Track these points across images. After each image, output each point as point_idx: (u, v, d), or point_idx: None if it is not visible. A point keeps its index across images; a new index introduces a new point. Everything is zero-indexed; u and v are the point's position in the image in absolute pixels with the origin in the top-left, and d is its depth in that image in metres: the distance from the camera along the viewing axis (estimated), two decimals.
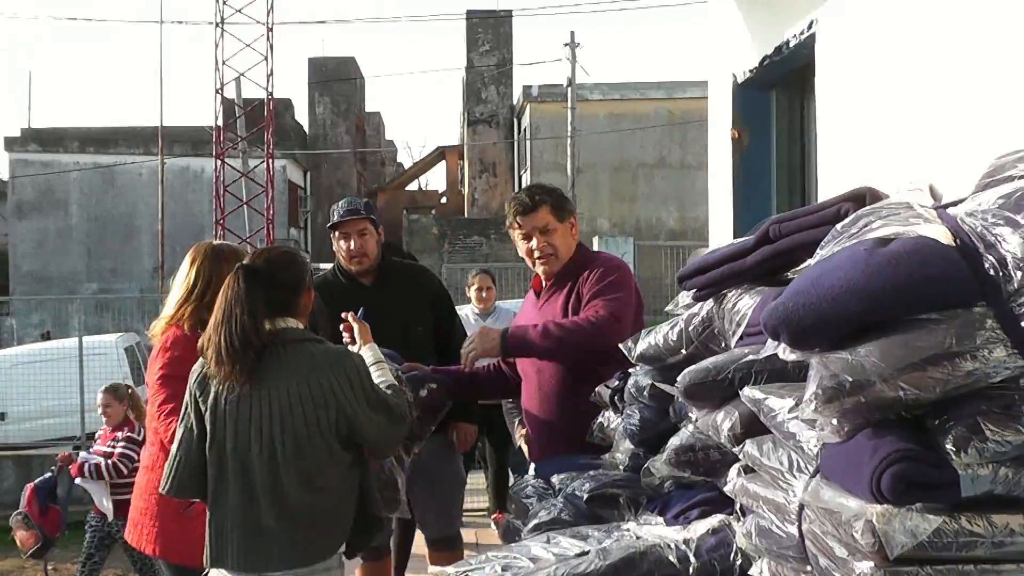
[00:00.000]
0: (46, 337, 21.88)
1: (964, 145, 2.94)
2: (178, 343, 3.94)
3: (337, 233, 5.02)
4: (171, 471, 3.48)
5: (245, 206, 12.52)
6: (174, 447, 3.52)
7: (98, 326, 20.84)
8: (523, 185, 31.41)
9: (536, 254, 4.12)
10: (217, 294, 3.79)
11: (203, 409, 3.44)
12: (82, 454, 8.43)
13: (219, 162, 12.01)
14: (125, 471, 8.25)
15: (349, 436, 3.46)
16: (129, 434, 8.51)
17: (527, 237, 4.13)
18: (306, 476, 3.40)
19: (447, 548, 5.02)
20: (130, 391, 8.70)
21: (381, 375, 3.72)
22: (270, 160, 12.19)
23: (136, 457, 8.44)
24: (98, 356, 15.57)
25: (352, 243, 4.93)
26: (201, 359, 3.50)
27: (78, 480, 8.26)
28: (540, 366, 4.15)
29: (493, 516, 8.07)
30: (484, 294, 8.17)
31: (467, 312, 7.94)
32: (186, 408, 3.51)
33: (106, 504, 8.20)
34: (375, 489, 3.71)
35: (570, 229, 4.19)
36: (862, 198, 2.36)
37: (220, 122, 12.60)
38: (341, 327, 4.04)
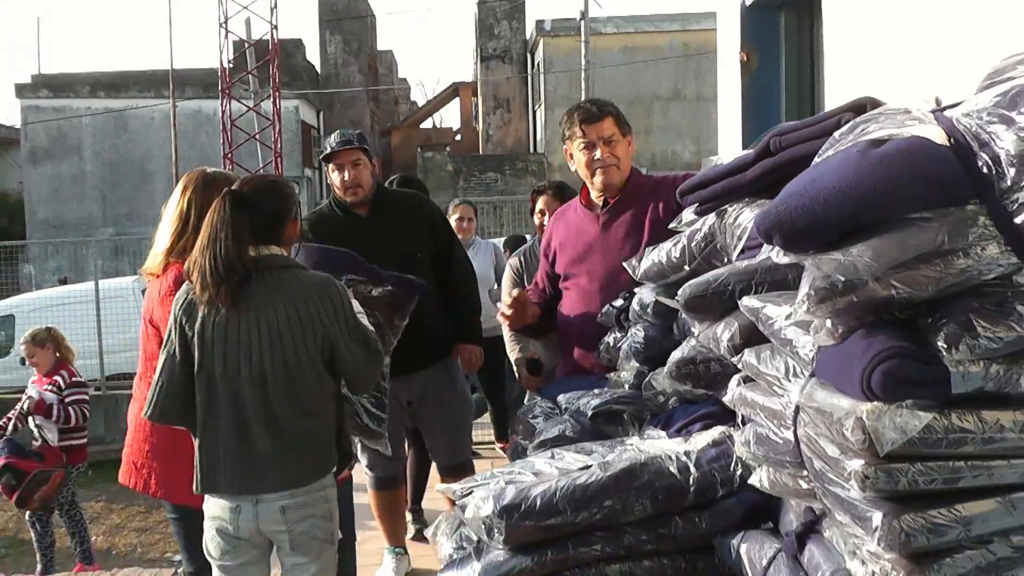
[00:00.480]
0: (63, 282, 22.01)
1: (972, 63, 2.90)
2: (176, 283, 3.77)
3: (331, 165, 5.02)
4: (154, 397, 3.49)
5: (256, 141, 12.48)
6: (156, 373, 3.51)
7: (115, 270, 20.95)
8: (537, 120, 31.27)
9: (599, 164, 3.99)
10: None
11: (190, 335, 3.45)
12: (32, 391, 8.30)
13: (225, 97, 11.98)
14: (83, 419, 8.26)
15: (331, 363, 3.51)
16: (73, 379, 8.43)
17: (590, 146, 3.99)
18: (296, 400, 3.44)
19: (459, 475, 5.08)
20: (51, 333, 8.57)
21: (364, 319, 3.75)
22: (276, 94, 12.13)
23: (89, 402, 8.49)
24: (115, 299, 15.68)
25: (346, 174, 4.95)
26: (186, 284, 3.51)
27: (38, 420, 8.16)
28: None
29: (499, 445, 8.11)
30: (465, 224, 7.94)
31: None
32: (169, 334, 3.51)
33: (51, 438, 8.06)
34: (348, 426, 3.76)
35: (628, 146, 4.09)
36: (862, 108, 2.33)
37: (226, 56, 12.55)
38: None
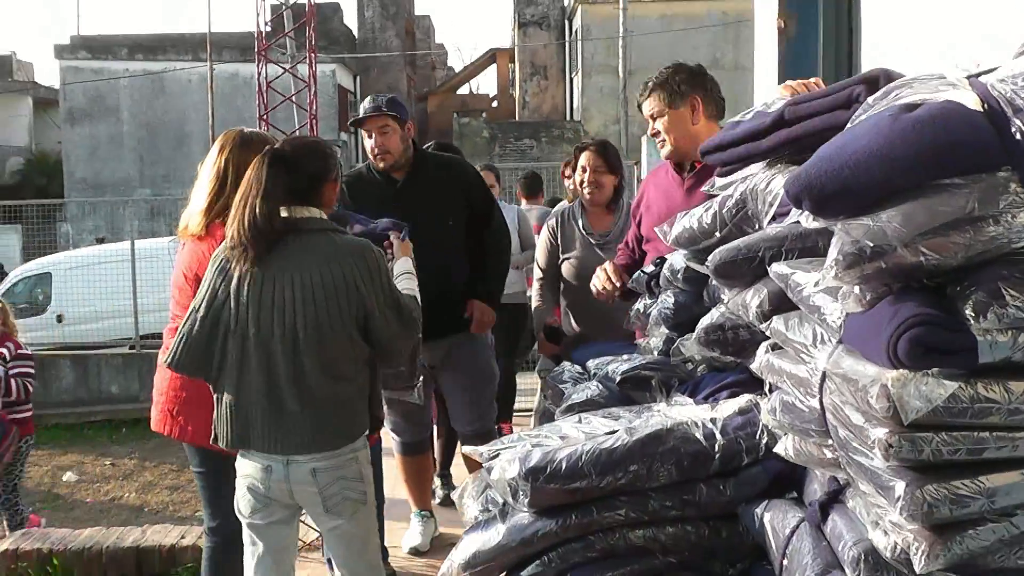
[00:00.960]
0: (100, 241, 22.23)
1: (1009, 30, 2.86)
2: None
3: (363, 130, 5.04)
4: (176, 348, 3.53)
5: (291, 104, 12.49)
6: (182, 324, 3.55)
7: (151, 230, 21.16)
8: (574, 87, 31.10)
9: (656, 139, 4.18)
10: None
11: (222, 296, 3.47)
12: None
13: (262, 57, 11.96)
14: (25, 392, 8.25)
15: (365, 329, 3.51)
16: (18, 351, 8.35)
17: (649, 120, 4.18)
18: (327, 364, 3.45)
19: (480, 444, 5.08)
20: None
21: (407, 283, 3.79)
22: (312, 56, 12.09)
23: (34, 376, 8.46)
24: (151, 260, 15.80)
25: (375, 140, 4.96)
26: (223, 244, 3.54)
27: None
28: None
29: (498, 425, 7.96)
30: None
31: None
32: (202, 290, 3.55)
33: None
34: (380, 391, 3.79)
35: (680, 118, 4.08)
36: (875, 80, 2.30)
37: (263, 18, 12.53)
38: (383, 243, 4.00)
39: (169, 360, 3.57)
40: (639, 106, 4.28)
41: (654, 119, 4.15)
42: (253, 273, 3.43)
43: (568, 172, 6.57)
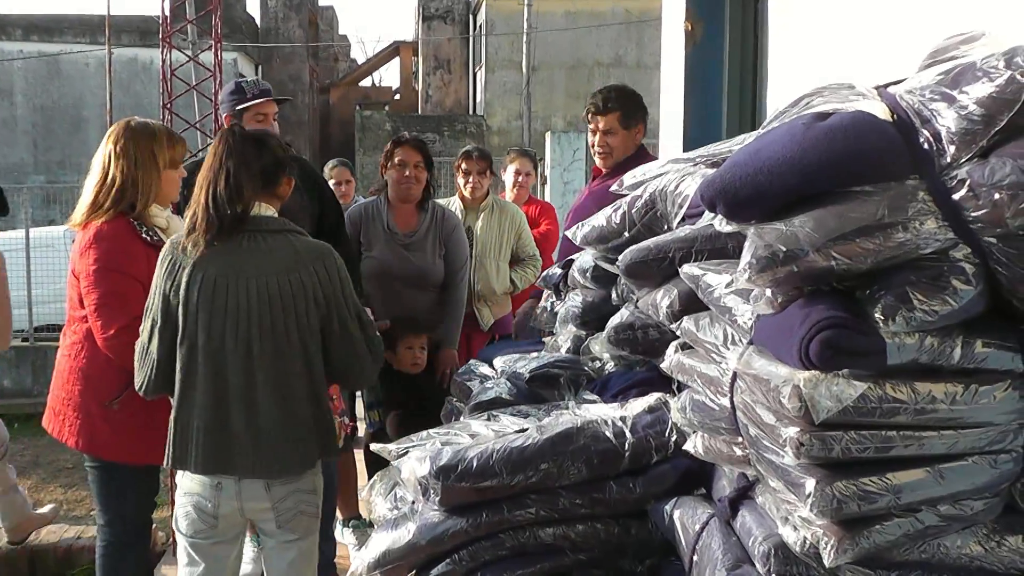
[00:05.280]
0: None
1: (913, 43, 2.93)
2: (106, 233, 3.69)
3: (248, 116, 4.65)
4: (146, 370, 3.25)
5: (194, 93, 12.26)
6: (142, 342, 3.28)
7: (46, 218, 20.57)
8: (477, 82, 31.11)
9: (596, 149, 4.61)
10: (134, 174, 3.70)
11: (174, 303, 3.18)
12: None
13: (166, 43, 11.70)
14: None
15: (325, 346, 3.24)
16: None
17: (593, 132, 4.58)
18: (281, 381, 3.17)
19: None
20: None
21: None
22: (218, 44, 11.89)
23: None
24: (45, 248, 15.35)
25: (261, 127, 4.50)
26: (169, 243, 3.25)
27: None
28: None
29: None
30: (343, 188, 7.43)
31: None
32: (151, 302, 3.26)
33: None
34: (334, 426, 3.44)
35: (637, 136, 4.60)
36: None
37: (167, 2, 12.25)
38: None
39: (139, 387, 3.29)
40: (587, 115, 4.58)
41: (605, 134, 4.52)
42: (205, 275, 3.13)
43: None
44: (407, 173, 5.15)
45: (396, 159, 5.21)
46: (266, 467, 3.21)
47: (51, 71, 29.45)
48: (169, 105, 10.86)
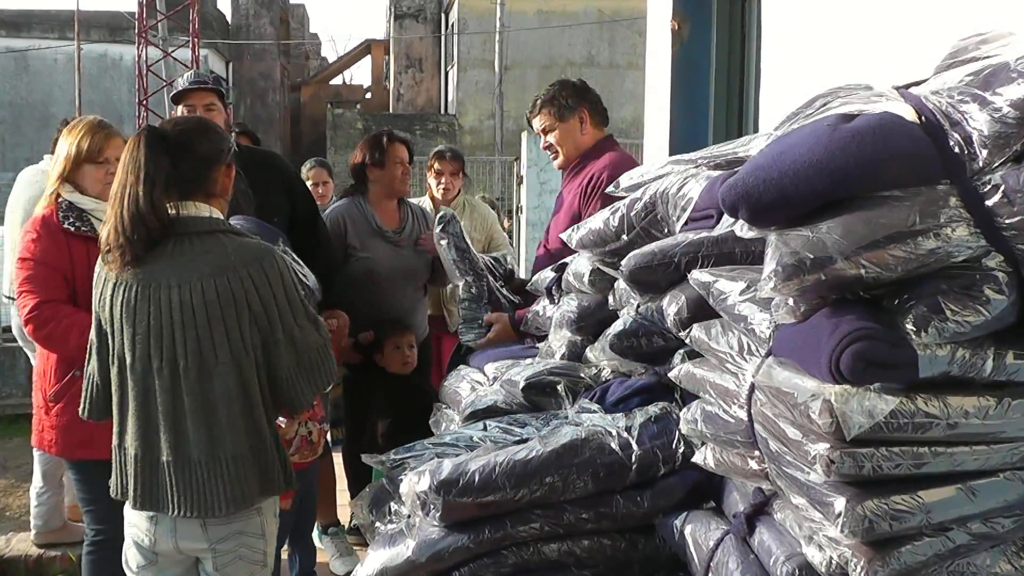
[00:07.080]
0: None
1: (903, 44, 2.88)
2: (37, 225, 3.78)
3: (181, 107, 4.45)
4: (86, 395, 3.04)
5: (167, 90, 12.13)
6: (88, 365, 3.05)
7: None
8: (449, 81, 31.03)
9: (548, 153, 4.45)
10: (78, 169, 3.77)
11: (103, 318, 2.90)
12: None
13: (141, 40, 11.58)
14: None
15: (266, 361, 2.85)
16: None
17: (538, 136, 4.43)
18: (208, 407, 2.81)
19: None
20: None
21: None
22: (195, 40, 11.77)
23: None
24: (14, 247, 15.14)
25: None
26: (100, 258, 2.93)
27: None
28: None
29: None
30: (320, 189, 7.24)
31: None
32: (94, 317, 2.98)
33: None
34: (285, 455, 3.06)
35: (569, 128, 4.32)
36: None
37: None
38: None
39: (82, 411, 3.04)
40: (529, 123, 4.47)
41: (545, 133, 4.36)
42: (126, 286, 2.80)
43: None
44: (403, 170, 5.18)
45: (393, 156, 5.14)
46: (195, 504, 2.84)
47: (19, 67, 29.08)
48: (145, 102, 10.71)
